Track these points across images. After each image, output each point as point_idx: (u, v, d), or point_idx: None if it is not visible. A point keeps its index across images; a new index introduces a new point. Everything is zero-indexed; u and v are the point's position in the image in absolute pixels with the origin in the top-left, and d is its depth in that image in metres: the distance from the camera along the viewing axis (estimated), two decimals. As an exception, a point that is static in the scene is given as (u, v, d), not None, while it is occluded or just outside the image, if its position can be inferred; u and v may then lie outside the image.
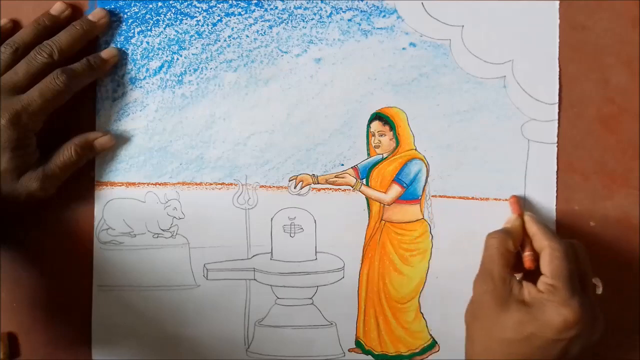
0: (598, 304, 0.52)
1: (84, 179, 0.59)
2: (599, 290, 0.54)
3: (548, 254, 0.51)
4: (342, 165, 0.59)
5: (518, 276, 0.54)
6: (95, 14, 0.57)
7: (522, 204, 0.58)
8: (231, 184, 0.59)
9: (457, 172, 0.59)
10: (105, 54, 0.57)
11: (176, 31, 0.59)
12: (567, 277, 0.50)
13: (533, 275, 0.53)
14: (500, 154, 0.59)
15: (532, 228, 0.54)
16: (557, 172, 0.59)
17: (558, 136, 0.59)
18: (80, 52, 0.57)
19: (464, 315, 0.54)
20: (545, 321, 0.49)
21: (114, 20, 0.58)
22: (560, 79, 0.59)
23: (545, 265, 0.51)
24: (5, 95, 0.53)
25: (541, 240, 0.53)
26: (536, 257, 0.53)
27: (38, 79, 0.54)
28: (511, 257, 0.53)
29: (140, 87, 0.59)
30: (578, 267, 0.52)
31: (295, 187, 0.59)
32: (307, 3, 0.59)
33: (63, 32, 0.56)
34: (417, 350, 0.60)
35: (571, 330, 0.49)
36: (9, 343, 0.59)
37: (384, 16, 0.59)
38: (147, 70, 0.59)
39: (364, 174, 0.60)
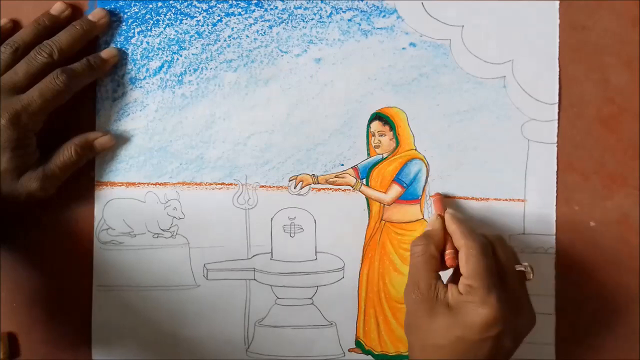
0: (525, 293, 0.52)
1: (84, 179, 0.59)
2: (530, 276, 0.52)
3: (464, 253, 0.51)
4: (342, 165, 0.59)
5: (446, 275, 0.54)
6: (95, 14, 0.57)
7: (446, 203, 0.58)
8: (231, 184, 0.59)
9: (457, 172, 0.59)
10: (105, 54, 0.57)
11: (176, 31, 0.59)
12: (483, 275, 0.49)
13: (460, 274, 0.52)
14: (500, 154, 0.59)
15: (451, 226, 0.54)
16: (557, 172, 0.59)
17: (558, 136, 0.59)
18: (80, 52, 0.57)
19: (404, 327, 0.54)
20: (468, 323, 0.49)
21: (114, 20, 0.58)
22: (560, 79, 0.59)
23: (462, 265, 0.51)
24: (5, 95, 0.53)
25: (459, 239, 0.52)
26: (457, 255, 0.52)
27: (38, 79, 0.54)
28: (436, 262, 0.53)
29: (140, 87, 0.59)
30: (496, 261, 0.51)
31: (295, 187, 0.59)
32: (307, 3, 0.59)
33: (63, 32, 0.56)
34: (417, 350, 0.60)
35: (493, 328, 0.49)
36: (9, 343, 0.59)
37: (384, 16, 0.59)
38: (147, 70, 0.59)
39: (364, 174, 0.60)
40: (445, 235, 0.54)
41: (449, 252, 0.53)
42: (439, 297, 0.51)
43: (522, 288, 0.52)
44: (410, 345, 0.53)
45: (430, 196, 0.59)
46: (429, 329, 0.50)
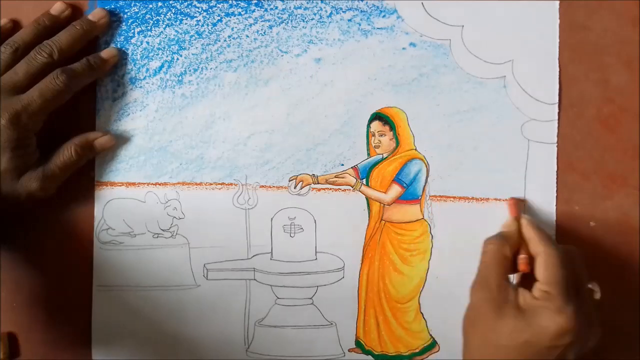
0: (594, 309, 0.52)
1: (84, 179, 0.59)
2: (597, 296, 0.53)
3: (543, 260, 0.51)
4: (342, 165, 0.59)
5: (514, 277, 0.54)
6: (95, 14, 0.57)
7: (522, 207, 0.58)
8: (231, 184, 0.59)
9: (457, 172, 0.59)
10: (105, 54, 0.57)
11: (176, 31, 0.59)
12: (562, 284, 0.50)
13: (528, 279, 0.53)
14: (500, 154, 0.59)
15: (529, 232, 0.54)
16: (557, 172, 0.59)
17: (558, 136, 0.59)
18: (80, 52, 0.57)
19: (462, 321, 0.54)
20: (540, 328, 0.49)
21: (114, 20, 0.58)
22: (560, 79, 0.59)
23: (540, 272, 0.51)
24: (5, 95, 0.53)
25: (537, 246, 0.52)
26: (531, 260, 0.53)
27: (38, 79, 0.54)
28: (508, 263, 0.53)
29: (140, 87, 0.59)
30: (573, 273, 0.52)
31: (295, 187, 0.59)
32: (307, 3, 0.59)
33: (63, 32, 0.56)
34: (417, 350, 0.60)
35: (566, 338, 0.49)
36: (9, 343, 0.59)
37: (384, 16, 0.59)
38: (147, 70, 0.59)
39: (364, 174, 0.60)
40: (520, 239, 0.54)
41: (523, 257, 0.53)
42: (510, 298, 0.51)
43: (593, 304, 0.53)
44: (466, 342, 0.53)
45: (505, 200, 0.58)
46: (494, 328, 0.50)
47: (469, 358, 0.52)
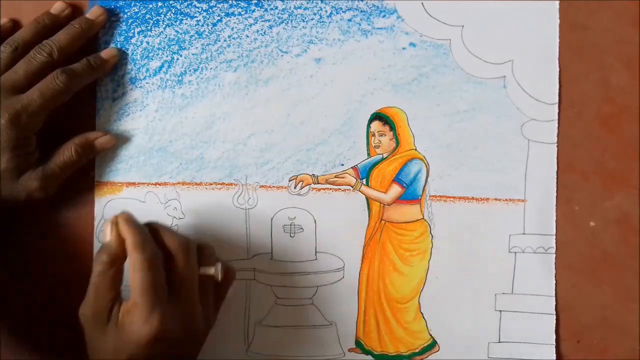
0: (210, 295, 0.51)
1: (84, 179, 0.59)
2: (218, 278, 0.51)
3: (131, 268, 0.48)
4: (342, 165, 0.59)
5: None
6: (93, 12, 0.57)
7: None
8: (231, 184, 0.59)
9: (457, 172, 0.59)
10: (105, 54, 0.58)
11: (176, 31, 0.59)
12: (148, 291, 0.48)
13: None
14: (500, 154, 0.59)
15: (124, 233, 0.49)
16: (557, 172, 0.59)
17: (558, 136, 0.59)
18: (80, 52, 0.57)
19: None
20: (134, 341, 0.48)
21: (113, 20, 0.59)
22: (560, 79, 0.59)
23: (130, 280, 0.48)
24: (5, 95, 0.53)
25: (128, 248, 0.49)
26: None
27: (38, 79, 0.54)
28: (112, 278, 0.49)
29: (140, 87, 0.59)
30: (173, 270, 0.49)
31: (295, 187, 0.59)
32: (307, 3, 0.59)
33: (62, 31, 0.56)
34: (417, 350, 0.60)
35: (158, 345, 0.48)
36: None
37: (384, 16, 0.59)
38: (147, 70, 0.59)
39: (364, 174, 0.60)
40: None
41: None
42: (112, 316, 0.49)
43: (208, 291, 0.52)
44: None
45: (505, 200, 0.58)
46: (100, 349, 0.49)
47: None
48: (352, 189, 0.59)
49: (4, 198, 0.54)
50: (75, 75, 0.55)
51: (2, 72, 0.54)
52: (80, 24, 0.56)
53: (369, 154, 0.60)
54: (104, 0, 0.58)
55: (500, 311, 0.59)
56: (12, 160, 0.53)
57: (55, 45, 0.55)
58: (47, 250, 0.59)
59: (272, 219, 0.60)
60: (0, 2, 0.58)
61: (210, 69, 0.59)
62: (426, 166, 0.59)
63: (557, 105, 0.59)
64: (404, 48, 0.59)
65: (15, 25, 0.58)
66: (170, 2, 0.59)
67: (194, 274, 0.51)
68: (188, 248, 0.51)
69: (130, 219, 0.50)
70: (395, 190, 0.59)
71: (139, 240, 0.49)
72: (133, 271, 0.48)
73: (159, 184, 0.59)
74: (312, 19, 0.59)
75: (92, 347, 0.50)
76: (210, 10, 0.59)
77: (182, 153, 0.59)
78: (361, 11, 0.59)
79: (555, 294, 0.59)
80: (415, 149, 0.59)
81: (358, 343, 0.60)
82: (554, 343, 0.59)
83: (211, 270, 0.52)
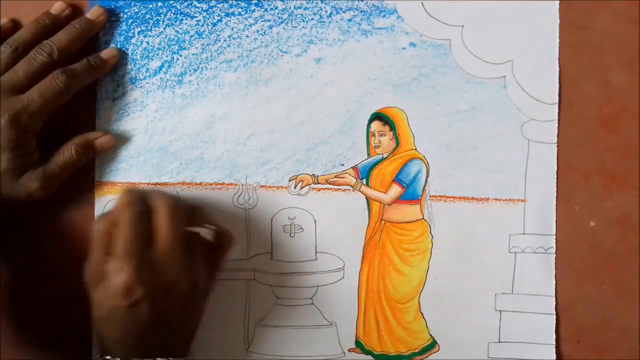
0: (175, 255, 0.51)
1: (84, 179, 0.59)
2: (208, 237, 0.53)
3: (119, 222, 0.51)
4: (342, 165, 0.59)
5: None
6: (93, 12, 0.57)
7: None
8: (231, 184, 0.59)
9: (457, 172, 0.59)
10: (105, 54, 0.58)
11: (176, 31, 0.59)
12: (125, 242, 0.50)
13: None
14: (500, 154, 0.59)
15: (119, 196, 0.53)
16: (557, 172, 0.59)
17: (558, 136, 0.59)
18: (80, 52, 0.57)
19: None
20: (111, 292, 0.49)
21: (113, 20, 0.59)
22: (560, 79, 0.59)
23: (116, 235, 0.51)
24: (5, 95, 0.53)
25: (118, 208, 0.52)
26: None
27: (38, 79, 0.54)
28: (107, 236, 0.51)
29: (140, 87, 0.59)
30: (156, 225, 0.51)
31: (295, 187, 0.59)
32: (307, 3, 0.59)
33: (62, 31, 0.56)
34: (417, 350, 0.60)
35: (134, 292, 0.49)
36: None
37: (384, 16, 0.59)
38: (147, 70, 0.59)
39: (364, 174, 0.60)
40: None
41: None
42: (102, 269, 0.51)
43: (196, 250, 0.53)
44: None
45: (507, 199, 0.58)
46: (95, 305, 0.51)
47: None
48: (352, 189, 0.60)
49: (3, 197, 0.54)
50: (75, 75, 0.55)
51: (2, 72, 0.54)
52: (81, 24, 0.56)
53: (369, 154, 0.60)
54: (104, 0, 0.58)
55: (500, 311, 0.59)
56: (12, 161, 0.53)
57: (56, 45, 0.55)
58: (47, 251, 0.59)
59: (272, 219, 0.60)
60: (0, 2, 0.58)
61: (210, 69, 0.59)
62: (426, 166, 0.59)
63: (557, 105, 0.59)
64: (404, 48, 0.59)
65: (15, 25, 0.58)
66: (170, 2, 0.59)
67: (176, 228, 0.51)
68: (172, 205, 0.52)
69: (124, 186, 0.55)
70: (395, 190, 0.59)
71: (127, 200, 0.52)
72: (119, 227, 0.50)
73: (159, 184, 0.59)
74: (312, 19, 0.59)
75: (91, 305, 0.52)
76: (210, 10, 0.59)
77: (182, 153, 0.59)
78: (361, 11, 0.59)
79: (555, 294, 0.59)
80: (415, 149, 0.59)
81: (358, 343, 0.60)
82: (554, 343, 0.59)
83: (199, 230, 0.53)
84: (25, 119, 0.53)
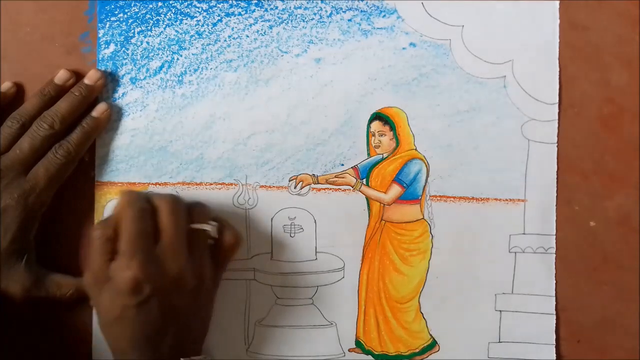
0: (179, 252, 0.51)
1: (84, 179, 0.59)
2: (212, 234, 0.53)
3: (122, 220, 0.51)
4: (342, 165, 0.59)
5: None
6: (91, 77, 0.57)
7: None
8: (231, 184, 0.59)
9: (457, 172, 0.59)
10: (97, 112, 0.57)
11: (176, 31, 0.59)
12: (131, 239, 0.50)
13: None
14: (500, 154, 0.59)
15: (119, 196, 0.52)
16: (557, 172, 0.59)
17: (558, 136, 0.59)
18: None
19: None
20: (119, 291, 0.49)
21: (114, 20, 0.59)
22: (560, 79, 0.59)
23: (120, 233, 0.51)
24: (15, 175, 0.54)
25: (120, 207, 0.51)
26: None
27: (43, 153, 0.55)
28: (108, 238, 0.51)
29: (141, 87, 0.59)
30: (160, 222, 0.51)
31: (295, 187, 0.59)
32: (307, 3, 0.59)
33: (62, 100, 0.56)
34: (417, 350, 0.60)
35: (142, 289, 0.49)
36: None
37: (384, 16, 0.59)
38: (147, 70, 0.59)
39: (364, 174, 0.60)
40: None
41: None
42: (106, 273, 0.51)
43: (200, 246, 0.53)
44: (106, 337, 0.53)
45: (507, 199, 0.58)
46: (103, 308, 0.51)
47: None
48: (352, 189, 0.60)
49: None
50: (73, 145, 0.56)
51: (8, 147, 0.55)
52: (80, 91, 0.57)
53: (369, 154, 0.60)
54: (104, 1, 0.58)
55: (500, 311, 0.59)
56: (13, 243, 0.54)
57: (57, 116, 0.55)
58: (46, 251, 0.59)
59: (272, 219, 0.60)
60: (0, 2, 0.58)
61: (211, 69, 0.59)
62: (426, 166, 0.59)
63: (557, 105, 0.59)
64: (404, 48, 0.59)
65: (18, 88, 0.58)
66: (170, 2, 0.59)
67: (179, 224, 0.52)
68: (173, 202, 0.52)
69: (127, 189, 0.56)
70: (395, 190, 0.59)
71: (129, 199, 0.51)
72: (122, 226, 0.50)
73: (159, 184, 0.59)
74: (312, 19, 0.59)
75: (97, 311, 0.52)
76: (210, 10, 0.59)
77: (182, 153, 0.59)
78: (361, 11, 0.59)
79: (555, 294, 0.59)
80: (415, 149, 0.59)
81: (358, 343, 0.60)
82: (554, 343, 0.59)
83: (203, 226, 0.53)
84: (32, 198, 0.54)
